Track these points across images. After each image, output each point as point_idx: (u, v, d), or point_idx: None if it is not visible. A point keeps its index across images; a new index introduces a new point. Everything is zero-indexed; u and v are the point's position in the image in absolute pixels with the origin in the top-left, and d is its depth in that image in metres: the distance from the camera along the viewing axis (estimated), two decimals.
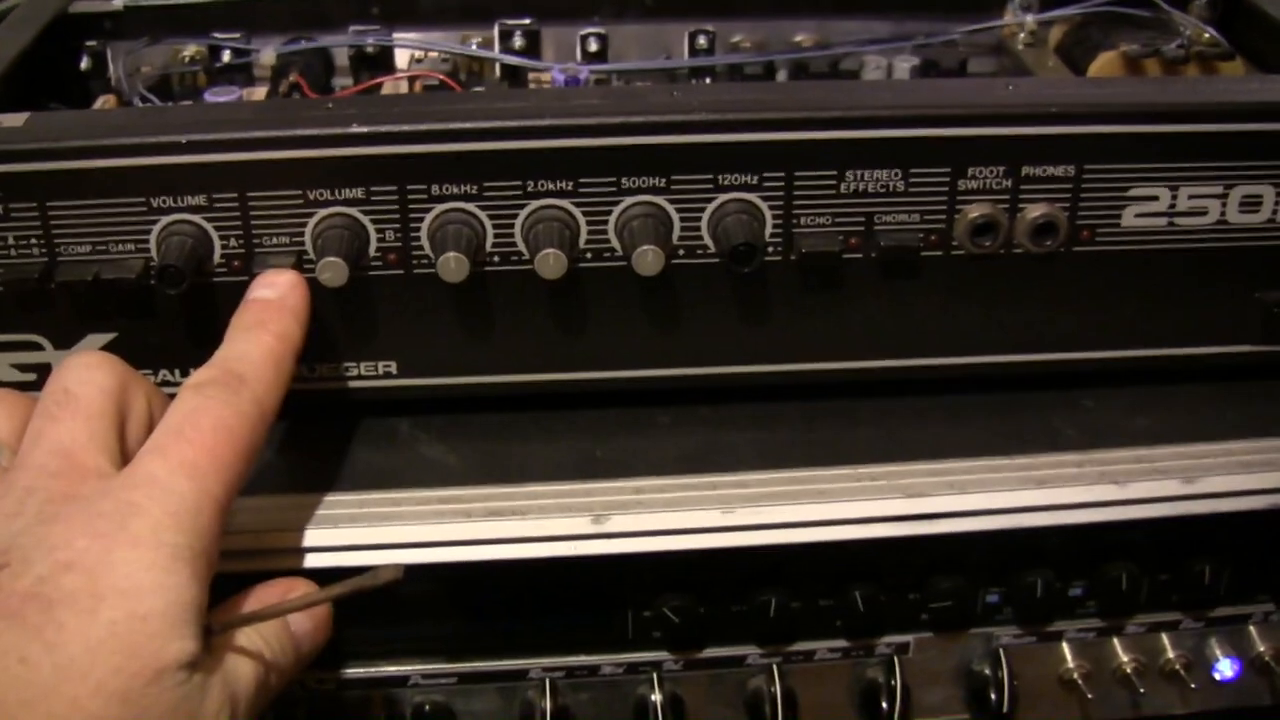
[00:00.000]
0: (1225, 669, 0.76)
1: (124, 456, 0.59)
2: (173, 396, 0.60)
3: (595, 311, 0.71)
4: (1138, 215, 0.70)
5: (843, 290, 0.71)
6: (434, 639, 0.71)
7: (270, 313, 0.65)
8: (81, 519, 0.54)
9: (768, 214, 0.68)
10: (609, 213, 0.68)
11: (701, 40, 0.94)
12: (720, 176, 0.67)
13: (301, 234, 0.67)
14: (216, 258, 0.68)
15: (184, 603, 0.53)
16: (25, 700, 0.50)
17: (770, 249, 0.69)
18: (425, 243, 0.68)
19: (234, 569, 0.64)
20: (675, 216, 0.68)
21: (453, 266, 0.66)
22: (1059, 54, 0.87)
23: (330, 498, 0.69)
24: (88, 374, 0.60)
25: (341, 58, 0.93)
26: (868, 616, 0.71)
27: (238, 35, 0.92)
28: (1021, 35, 0.90)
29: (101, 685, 0.51)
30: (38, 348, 0.70)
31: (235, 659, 0.58)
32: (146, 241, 0.67)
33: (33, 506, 0.55)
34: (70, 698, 0.50)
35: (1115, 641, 0.75)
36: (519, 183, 0.67)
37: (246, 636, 0.59)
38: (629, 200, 0.68)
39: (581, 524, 0.67)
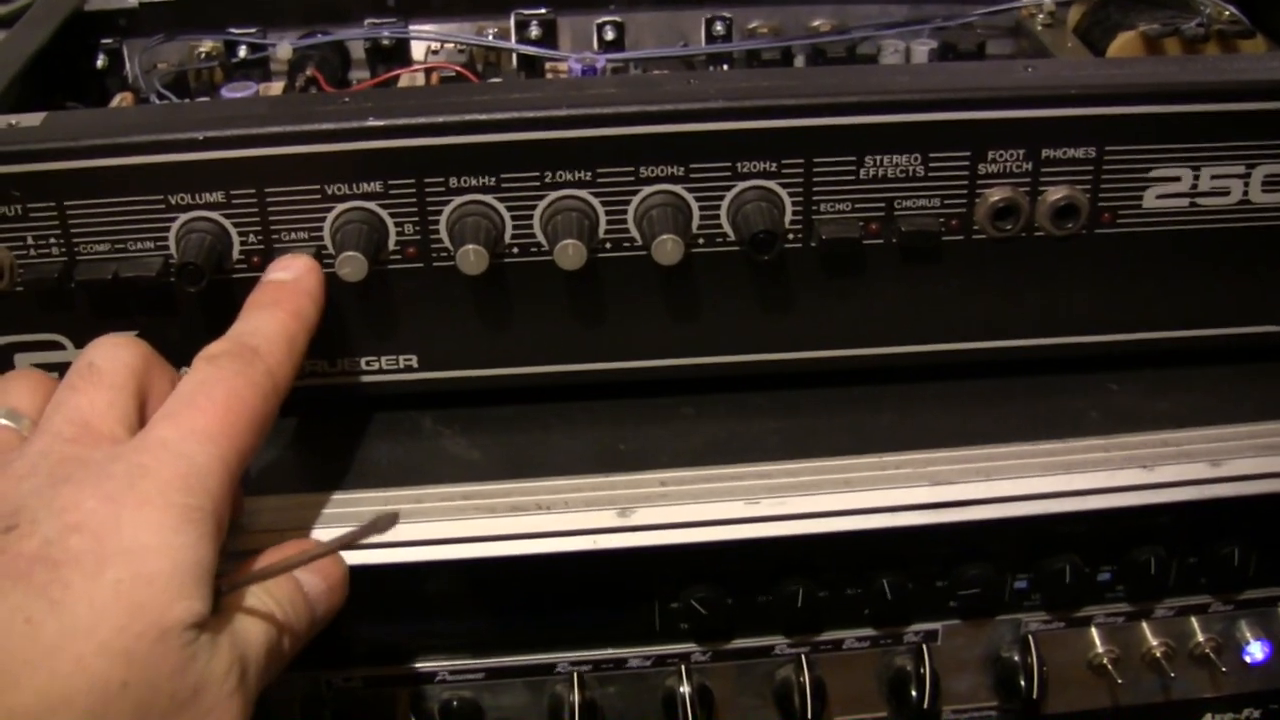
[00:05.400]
0: (1255, 651, 0.76)
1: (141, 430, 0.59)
2: None
3: (615, 302, 0.71)
4: (1159, 196, 0.70)
5: (864, 276, 0.71)
6: (461, 634, 0.71)
7: (285, 293, 0.65)
8: (91, 481, 0.54)
9: (787, 201, 0.68)
10: (628, 202, 0.68)
11: (718, 26, 0.93)
12: (739, 164, 0.67)
13: (320, 229, 0.67)
14: (235, 254, 0.68)
15: (191, 563, 0.53)
16: (30, 660, 0.50)
17: (790, 236, 0.69)
18: (444, 235, 0.68)
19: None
20: (694, 205, 0.68)
21: (472, 259, 0.66)
22: (1078, 35, 0.87)
23: (353, 495, 0.69)
24: (114, 351, 0.60)
25: (358, 51, 0.93)
26: (895, 605, 0.71)
27: (253, 30, 0.92)
28: (1040, 16, 0.90)
29: (106, 644, 0.50)
30: (59, 347, 0.70)
31: (245, 620, 0.57)
32: (165, 239, 0.67)
33: (45, 468, 0.55)
34: (75, 656, 0.50)
35: (1144, 626, 0.75)
36: (537, 174, 0.67)
37: (257, 598, 0.58)
38: (648, 189, 0.67)
39: (607, 518, 0.67)
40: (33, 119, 0.67)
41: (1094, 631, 0.75)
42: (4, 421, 0.60)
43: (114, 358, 0.60)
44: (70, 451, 0.56)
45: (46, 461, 0.55)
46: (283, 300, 0.65)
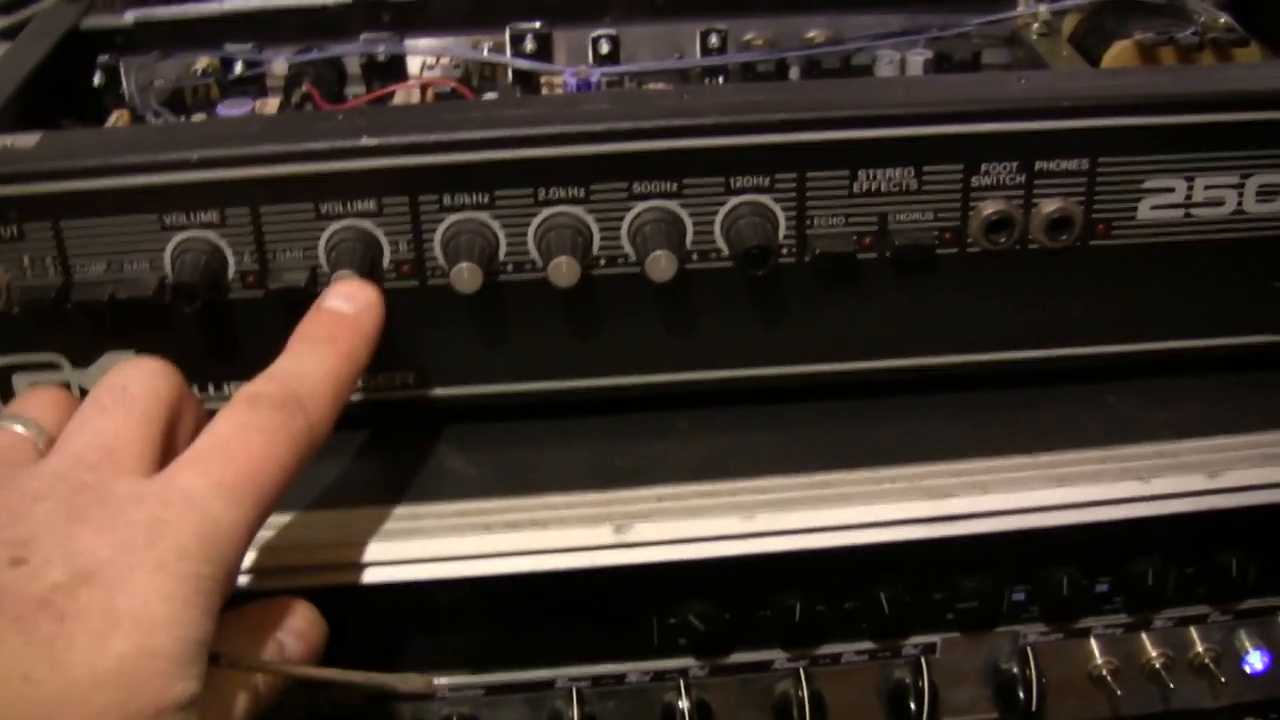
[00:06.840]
0: (1255, 661, 0.76)
1: (163, 467, 0.56)
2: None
3: (610, 318, 0.71)
4: (1154, 207, 0.70)
5: (858, 290, 0.71)
6: (460, 651, 0.71)
7: (342, 330, 0.63)
8: (109, 525, 0.52)
9: (781, 216, 0.68)
10: (621, 218, 0.68)
11: (713, 39, 0.93)
12: (732, 179, 0.67)
13: (315, 247, 0.67)
14: (231, 273, 0.68)
15: (193, 640, 0.52)
16: (21, 718, 0.48)
17: (784, 251, 0.69)
18: (438, 253, 0.68)
19: (248, 586, 0.65)
20: (688, 221, 0.68)
21: (466, 277, 0.66)
22: (1073, 44, 0.87)
23: (349, 513, 0.69)
24: (150, 379, 0.58)
25: (354, 66, 0.93)
26: (894, 618, 0.71)
27: (249, 46, 0.91)
28: (1035, 25, 0.89)
29: (100, 717, 0.49)
30: (56, 367, 0.70)
31: (234, 697, 0.56)
32: (161, 259, 0.67)
33: (61, 493, 0.52)
34: None
35: (1143, 636, 0.75)
36: (530, 191, 0.67)
37: (248, 675, 0.57)
38: (641, 205, 0.67)
39: (603, 534, 0.67)
40: (28, 139, 0.67)
41: (1093, 642, 0.75)
42: (19, 429, 0.59)
43: (149, 387, 0.58)
44: (90, 480, 0.53)
45: (64, 486, 0.53)
46: (338, 339, 0.62)
